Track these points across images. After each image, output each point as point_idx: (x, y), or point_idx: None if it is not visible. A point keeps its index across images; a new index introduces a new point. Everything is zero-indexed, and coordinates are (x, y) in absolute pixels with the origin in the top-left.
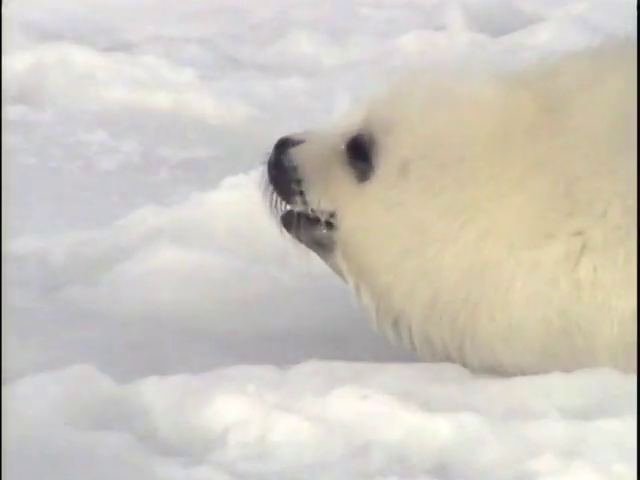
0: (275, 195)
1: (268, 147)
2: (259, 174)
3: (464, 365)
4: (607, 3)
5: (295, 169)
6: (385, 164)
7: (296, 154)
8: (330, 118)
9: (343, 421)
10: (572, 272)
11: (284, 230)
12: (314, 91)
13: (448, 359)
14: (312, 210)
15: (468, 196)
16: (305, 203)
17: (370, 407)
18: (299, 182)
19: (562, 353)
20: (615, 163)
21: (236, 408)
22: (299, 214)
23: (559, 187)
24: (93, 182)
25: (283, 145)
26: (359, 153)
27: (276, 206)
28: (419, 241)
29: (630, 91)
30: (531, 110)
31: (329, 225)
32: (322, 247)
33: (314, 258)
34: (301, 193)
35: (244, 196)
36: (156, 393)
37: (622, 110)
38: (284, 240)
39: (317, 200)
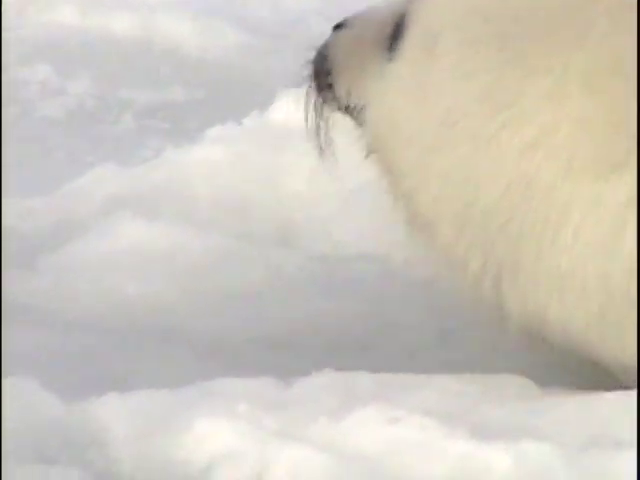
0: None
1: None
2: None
3: (501, 309)
4: None
5: (325, 59)
6: (412, 38)
7: (332, 42)
8: None
9: (366, 452)
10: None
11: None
12: (327, 11)
13: (484, 297)
14: (342, 106)
15: (514, 87)
16: (334, 98)
17: (402, 434)
18: (328, 73)
19: (626, 324)
20: None
21: (224, 435)
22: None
23: (637, 100)
24: (32, 134)
25: (337, 29)
26: (399, 31)
27: (314, 106)
28: (448, 136)
29: None
30: None
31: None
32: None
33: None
34: (330, 86)
35: (233, 153)
36: (116, 415)
37: None
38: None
39: (346, 93)
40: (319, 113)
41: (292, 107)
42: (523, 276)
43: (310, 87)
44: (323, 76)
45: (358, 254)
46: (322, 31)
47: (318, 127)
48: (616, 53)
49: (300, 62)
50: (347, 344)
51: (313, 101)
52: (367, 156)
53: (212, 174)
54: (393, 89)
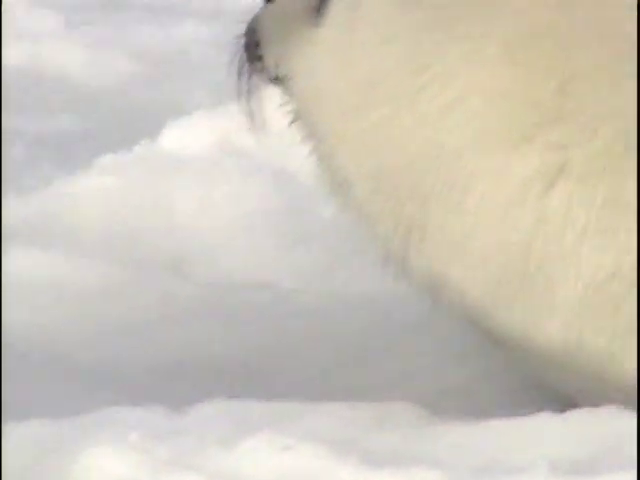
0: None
1: None
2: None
3: (407, 273)
4: None
5: (254, 31)
6: (336, 3)
7: (261, 14)
8: None
9: None
10: (542, 197)
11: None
12: (218, 40)
13: (393, 258)
14: (271, 77)
15: (434, 51)
16: (264, 69)
17: (293, 461)
18: (257, 45)
19: (520, 291)
20: (620, 72)
21: (114, 465)
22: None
23: (552, 79)
24: None
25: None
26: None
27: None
28: (367, 99)
29: None
30: None
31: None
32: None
33: None
34: (260, 58)
35: (124, 181)
36: (2, 446)
37: None
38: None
39: (275, 64)
40: (249, 83)
41: (182, 135)
42: (429, 237)
43: (241, 58)
44: (253, 48)
45: (248, 281)
46: (209, 59)
47: (248, 97)
48: (535, 26)
49: (188, 88)
50: (238, 372)
51: (244, 72)
52: (292, 123)
53: (103, 202)
54: (319, 53)
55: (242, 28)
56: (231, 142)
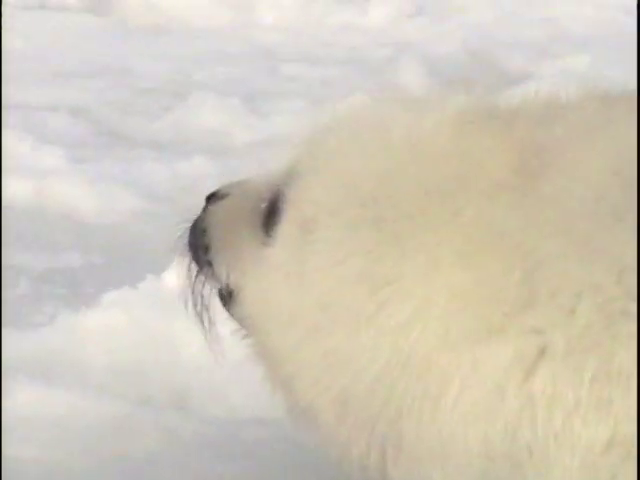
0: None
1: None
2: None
3: None
4: (610, 56)
5: (204, 233)
6: (287, 222)
7: (211, 214)
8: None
9: None
10: (524, 382)
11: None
12: (223, 175)
13: (373, 474)
14: (223, 286)
15: (390, 267)
16: (213, 276)
17: None
18: (207, 249)
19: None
20: (593, 244)
21: None
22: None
23: (515, 271)
24: None
25: (211, 200)
26: (275, 212)
27: (196, 281)
28: (325, 321)
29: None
30: (500, 163)
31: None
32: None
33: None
34: (209, 263)
35: (130, 317)
36: None
37: (619, 175)
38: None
39: (225, 273)
40: (200, 292)
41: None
42: (406, 452)
43: (193, 261)
44: (202, 252)
45: (254, 418)
46: None
47: (201, 305)
48: (489, 230)
49: (174, 236)
50: None
51: (193, 276)
52: (244, 339)
53: (108, 338)
54: (269, 275)
55: (186, 225)
56: None
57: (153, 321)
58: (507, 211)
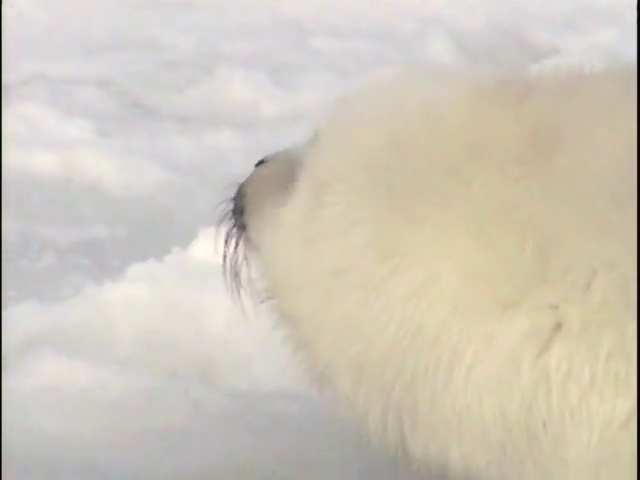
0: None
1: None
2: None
3: (406, 453)
4: (637, 31)
5: (243, 197)
6: (302, 186)
7: (250, 179)
8: None
9: None
10: (538, 357)
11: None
12: (251, 149)
13: (388, 442)
14: (255, 247)
15: (399, 235)
16: (249, 239)
17: None
18: (242, 212)
19: (524, 457)
20: (609, 221)
21: None
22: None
23: (527, 244)
24: None
25: (256, 167)
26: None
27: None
28: (338, 285)
29: None
30: (514, 136)
31: None
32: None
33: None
34: (244, 226)
35: (155, 290)
36: None
37: (637, 153)
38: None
39: (256, 235)
40: (237, 252)
41: (213, 244)
42: (422, 420)
43: (230, 225)
44: (239, 215)
45: (279, 391)
46: (243, 169)
47: (237, 266)
48: (501, 202)
49: (219, 200)
50: None
51: (231, 237)
52: (263, 302)
53: (133, 311)
54: (284, 236)
55: (232, 191)
56: None
57: (178, 294)
58: (520, 183)
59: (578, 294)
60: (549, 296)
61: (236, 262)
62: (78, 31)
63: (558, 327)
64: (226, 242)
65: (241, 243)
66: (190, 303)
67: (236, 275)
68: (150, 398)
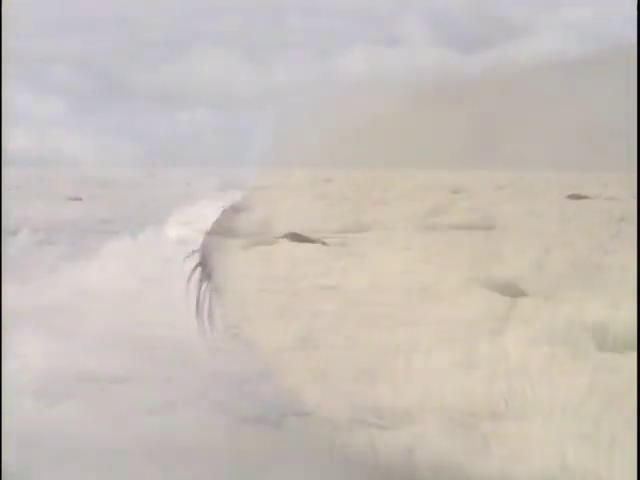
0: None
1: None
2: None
3: None
4: (611, 11)
5: (204, 256)
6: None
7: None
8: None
9: None
10: (497, 335)
11: None
12: (225, 127)
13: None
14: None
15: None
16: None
17: None
18: (206, 266)
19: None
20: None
21: None
22: None
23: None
24: None
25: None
26: None
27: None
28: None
29: None
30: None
31: None
32: None
33: None
34: (209, 276)
35: (131, 267)
36: None
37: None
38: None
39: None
40: (204, 297)
41: (187, 224)
42: None
43: (198, 275)
44: (205, 266)
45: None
46: (218, 146)
47: (203, 308)
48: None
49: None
50: None
51: (201, 286)
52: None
53: (108, 289)
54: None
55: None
56: None
57: (153, 273)
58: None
59: (533, 272)
60: (504, 274)
61: (205, 303)
62: (52, 9)
63: (515, 305)
64: (198, 289)
65: (208, 288)
66: (164, 281)
67: (207, 313)
68: (123, 377)
